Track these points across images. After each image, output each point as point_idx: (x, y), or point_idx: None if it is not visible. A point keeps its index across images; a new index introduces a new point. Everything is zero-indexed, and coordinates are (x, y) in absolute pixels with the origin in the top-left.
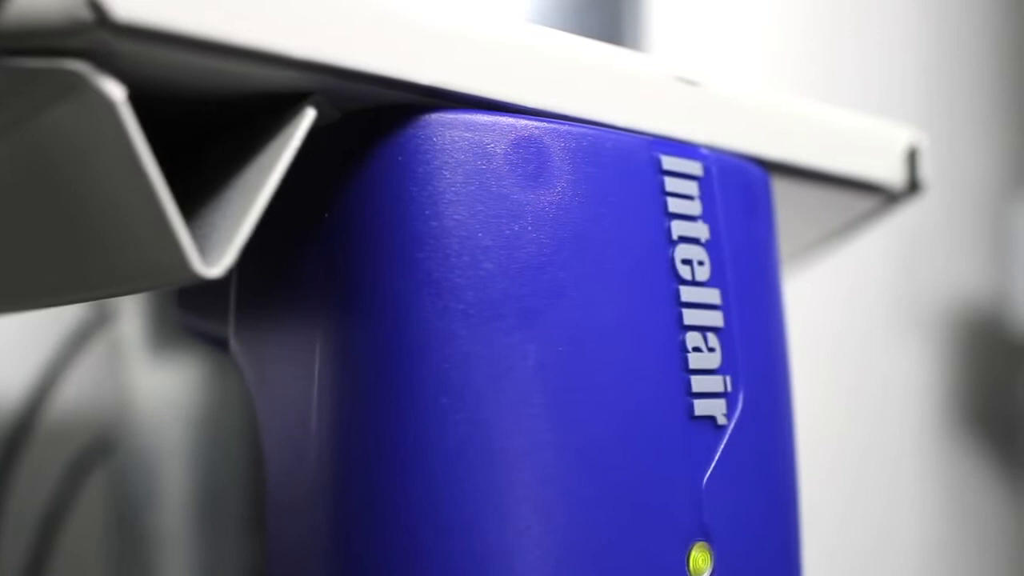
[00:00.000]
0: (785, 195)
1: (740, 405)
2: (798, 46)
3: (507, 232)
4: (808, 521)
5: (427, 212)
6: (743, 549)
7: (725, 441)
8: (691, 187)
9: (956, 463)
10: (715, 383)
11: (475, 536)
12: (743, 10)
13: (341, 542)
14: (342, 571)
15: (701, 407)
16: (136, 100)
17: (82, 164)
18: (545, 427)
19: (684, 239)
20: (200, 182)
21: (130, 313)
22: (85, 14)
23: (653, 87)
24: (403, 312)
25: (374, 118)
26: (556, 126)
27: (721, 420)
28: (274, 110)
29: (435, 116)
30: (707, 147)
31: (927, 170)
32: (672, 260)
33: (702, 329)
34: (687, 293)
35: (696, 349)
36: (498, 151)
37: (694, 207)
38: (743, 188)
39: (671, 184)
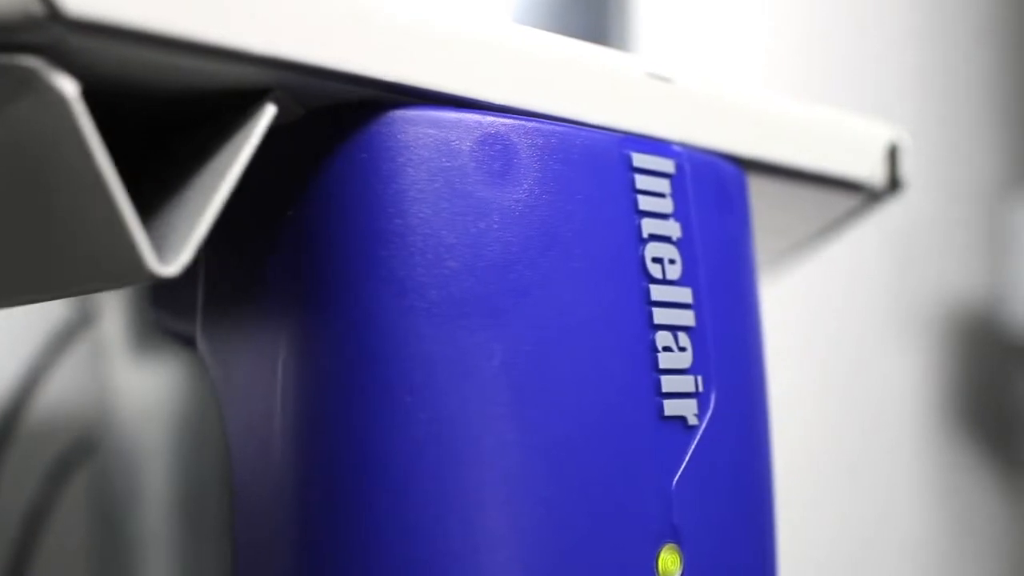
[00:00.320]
0: (767, 194)
1: (712, 405)
2: (792, 45)
3: (472, 230)
4: (805, 521)
5: (391, 210)
6: (714, 550)
7: (696, 442)
8: (663, 184)
9: (952, 462)
10: (686, 383)
11: (440, 536)
12: (734, 9)
13: (306, 541)
14: (307, 570)
15: (671, 407)
16: (97, 97)
17: (40, 161)
18: (511, 427)
19: (655, 237)
20: (164, 179)
21: (113, 314)
22: (37, 9)
23: (624, 84)
24: (366, 311)
25: (338, 114)
26: (523, 123)
27: (692, 420)
28: (237, 106)
29: (400, 112)
30: (680, 144)
31: (908, 168)
32: (642, 258)
33: (673, 328)
34: (657, 292)
35: (666, 349)
36: (464, 148)
37: (666, 205)
38: (717, 185)
39: (642, 182)
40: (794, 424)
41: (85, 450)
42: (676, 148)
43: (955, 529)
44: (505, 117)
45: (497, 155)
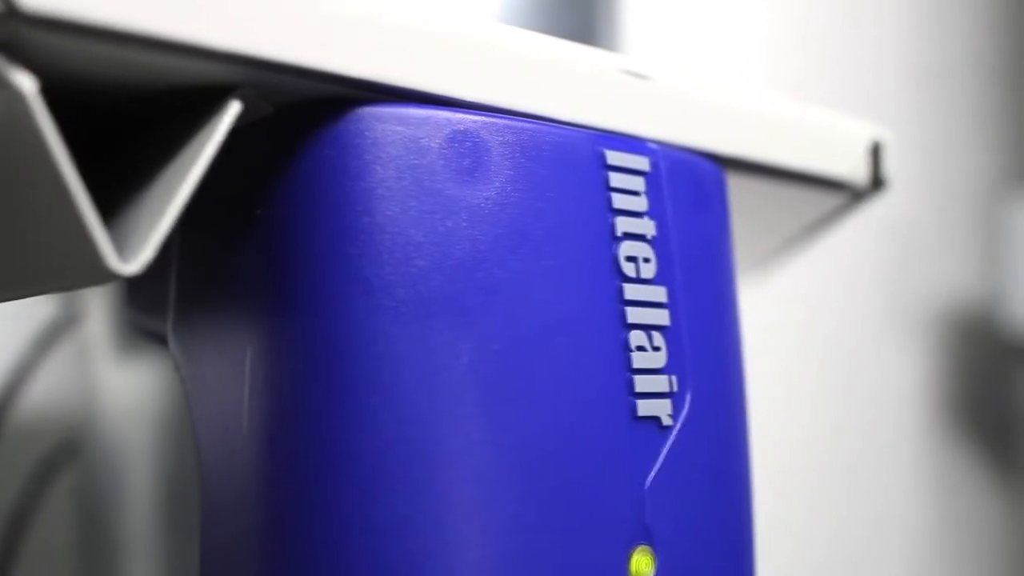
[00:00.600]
0: (750, 193)
1: (687, 405)
2: (787, 43)
3: (441, 228)
4: (803, 521)
5: (359, 208)
6: (689, 552)
7: (670, 442)
8: (637, 182)
9: (949, 462)
10: (660, 383)
11: (409, 537)
12: (726, 7)
13: (274, 543)
14: (274, 572)
15: (644, 407)
16: (60, 93)
17: (1, 159)
18: (480, 427)
19: (629, 235)
20: (131, 176)
21: (98, 314)
22: None
23: (599, 81)
24: (334, 310)
25: (306, 112)
26: (494, 120)
27: (666, 420)
28: (204, 103)
29: (368, 109)
30: (656, 142)
31: (891, 166)
32: (616, 257)
33: (646, 328)
34: (631, 291)
35: (640, 348)
36: (433, 146)
37: (640, 203)
38: (693, 183)
39: (616, 179)
40: (792, 425)
41: (70, 450)
42: (651, 146)
43: (953, 528)
44: (475, 114)
45: (467, 152)
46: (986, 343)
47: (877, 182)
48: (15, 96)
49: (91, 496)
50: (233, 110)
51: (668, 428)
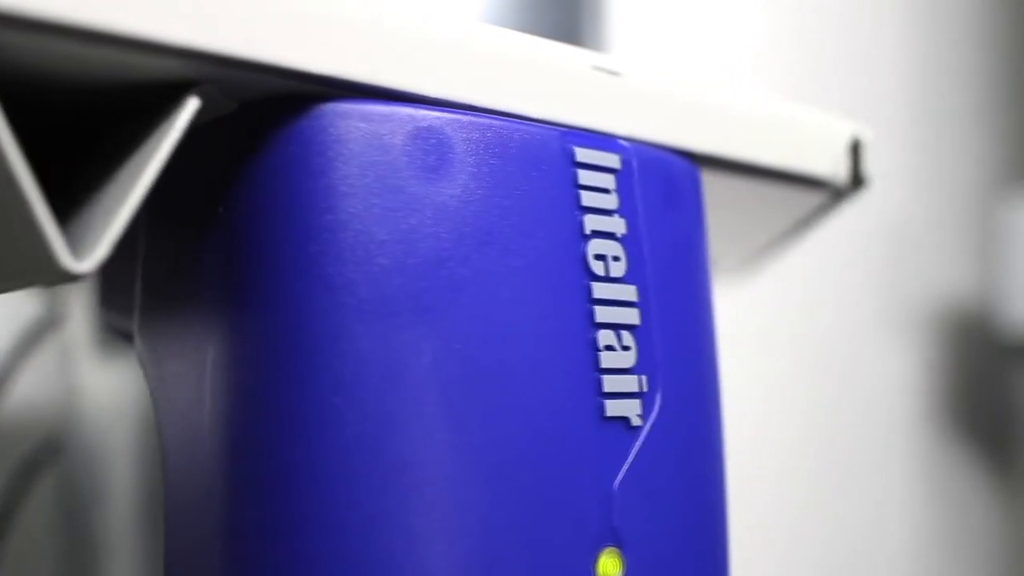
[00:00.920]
0: (730, 193)
1: (658, 406)
2: (782, 43)
3: (404, 226)
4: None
5: (321, 205)
6: (659, 555)
7: (640, 443)
8: (607, 180)
9: (944, 462)
10: (629, 383)
11: (370, 540)
12: (720, 8)
13: (236, 545)
14: (237, 574)
15: (613, 407)
16: (15, 88)
17: None
18: (444, 427)
19: (598, 233)
20: (91, 174)
21: (80, 315)
22: None
23: (569, 77)
24: (295, 308)
25: (269, 108)
26: (459, 117)
27: (635, 421)
28: (165, 99)
29: (330, 106)
30: (628, 139)
31: (871, 164)
32: (584, 256)
33: (615, 327)
34: (600, 290)
35: (608, 348)
36: (396, 142)
37: (610, 201)
38: (666, 181)
39: (585, 177)
40: (787, 425)
41: (52, 449)
42: (622, 143)
43: (948, 529)
44: (440, 111)
45: (431, 149)
46: (981, 343)
47: (858, 180)
48: None
49: (73, 495)
50: (191, 107)
51: (637, 428)
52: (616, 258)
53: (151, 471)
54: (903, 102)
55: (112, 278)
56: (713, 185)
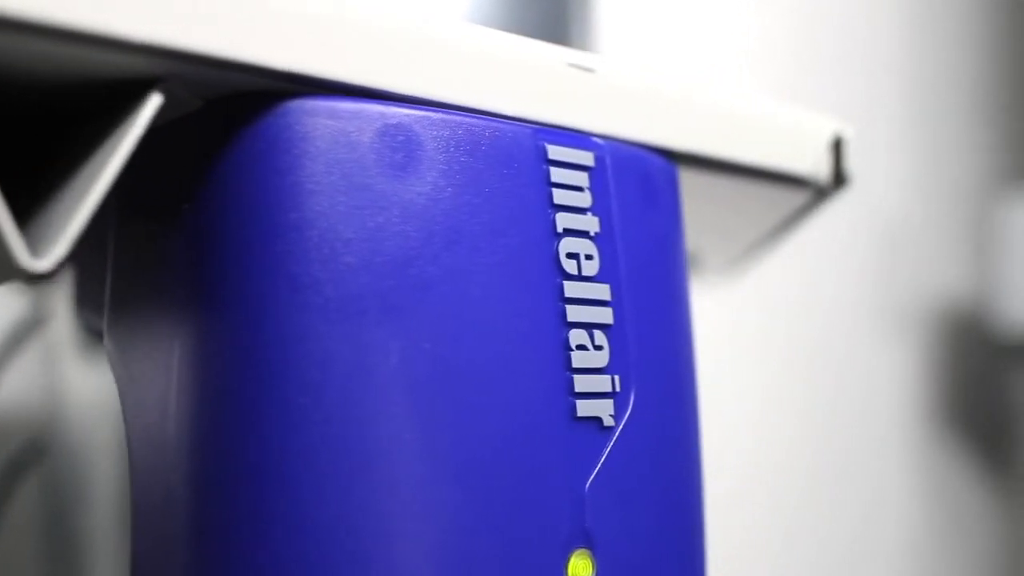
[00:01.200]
0: (713, 191)
1: (631, 406)
2: (778, 43)
3: (371, 224)
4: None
5: (287, 203)
6: (631, 556)
7: (612, 443)
8: (580, 178)
9: (940, 461)
10: (602, 382)
11: (336, 540)
12: (718, 8)
13: (201, 545)
14: (203, 573)
15: (584, 407)
16: None
17: None
18: (411, 427)
19: (570, 232)
20: (56, 172)
21: (64, 315)
22: None
23: (543, 74)
24: (260, 307)
25: (235, 106)
26: (428, 114)
27: (608, 421)
28: (129, 96)
29: (297, 103)
30: (603, 136)
31: (853, 162)
32: (556, 254)
33: (588, 326)
34: (572, 288)
35: (580, 347)
36: (363, 140)
37: (583, 198)
38: (642, 179)
39: (558, 175)
40: (783, 424)
41: (36, 450)
42: (596, 140)
43: (943, 527)
44: (409, 108)
45: (399, 147)
46: (977, 342)
47: (840, 178)
48: None
49: (58, 495)
50: (154, 104)
51: (610, 429)
52: (589, 256)
53: None
54: (900, 102)
55: (85, 277)
56: (695, 184)
